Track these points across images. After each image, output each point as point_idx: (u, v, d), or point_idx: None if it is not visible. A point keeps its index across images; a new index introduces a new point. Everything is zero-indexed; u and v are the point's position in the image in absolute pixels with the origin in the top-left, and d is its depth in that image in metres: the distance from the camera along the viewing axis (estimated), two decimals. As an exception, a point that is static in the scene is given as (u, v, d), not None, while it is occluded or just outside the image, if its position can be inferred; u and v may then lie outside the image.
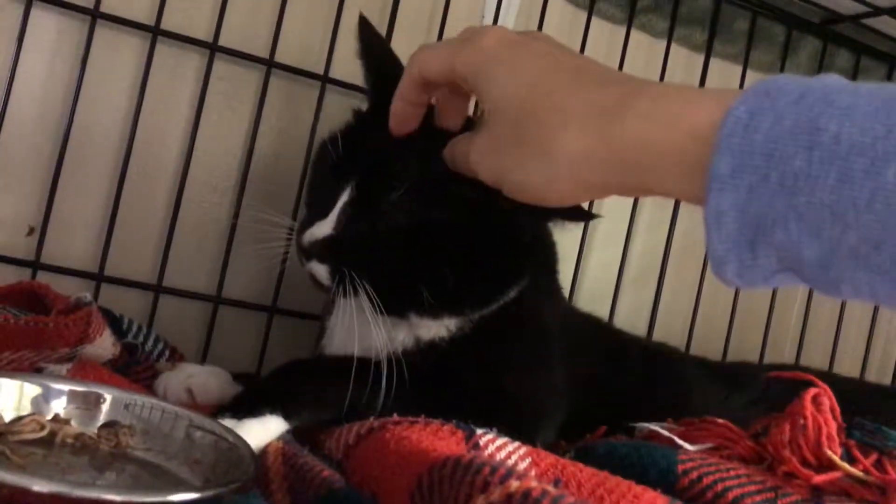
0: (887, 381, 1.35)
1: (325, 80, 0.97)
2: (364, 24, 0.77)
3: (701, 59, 1.16)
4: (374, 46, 0.78)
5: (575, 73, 0.55)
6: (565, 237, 1.10)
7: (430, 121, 0.70)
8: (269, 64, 0.95)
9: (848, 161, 0.40)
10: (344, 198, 0.69)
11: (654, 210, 1.18)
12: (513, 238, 0.71)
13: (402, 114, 0.68)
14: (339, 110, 0.95)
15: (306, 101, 0.97)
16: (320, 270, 0.70)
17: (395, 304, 0.69)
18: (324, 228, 0.69)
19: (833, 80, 0.44)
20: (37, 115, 0.89)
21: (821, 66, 1.25)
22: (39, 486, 0.38)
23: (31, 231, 0.89)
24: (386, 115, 0.68)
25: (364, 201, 0.69)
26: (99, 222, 0.91)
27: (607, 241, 1.16)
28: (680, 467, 0.61)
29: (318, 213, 0.70)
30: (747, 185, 0.43)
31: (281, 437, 0.61)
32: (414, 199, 0.67)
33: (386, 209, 0.68)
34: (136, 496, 0.42)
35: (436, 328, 0.72)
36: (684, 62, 1.19)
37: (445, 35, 1.01)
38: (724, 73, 1.21)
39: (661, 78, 1.13)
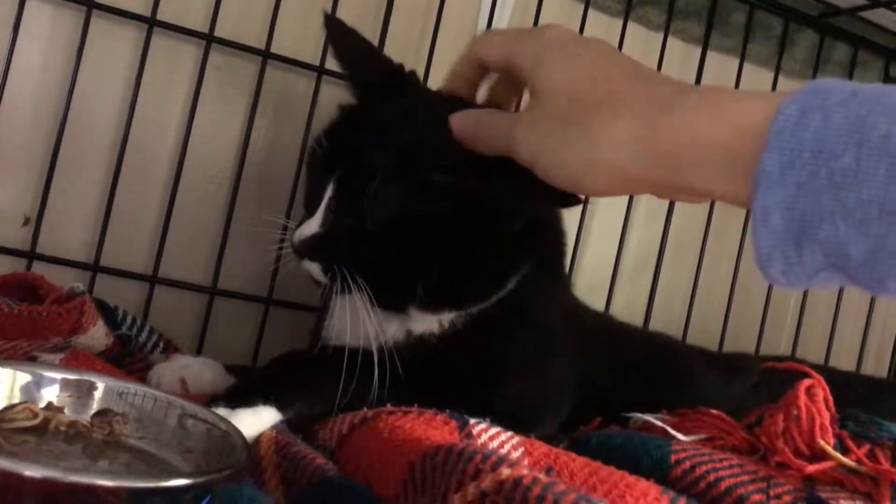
0: (883, 373, 1.36)
1: (320, 71, 0.97)
2: (331, 21, 0.77)
3: (698, 51, 1.16)
4: (346, 41, 0.78)
5: (633, 68, 0.57)
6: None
7: (410, 109, 0.71)
8: (265, 55, 0.95)
9: None
10: (328, 194, 0.69)
11: (651, 202, 1.17)
12: (502, 228, 0.70)
13: (456, 89, 0.70)
14: (335, 101, 0.95)
15: (302, 92, 0.97)
16: (313, 268, 0.70)
17: (390, 299, 0.69)
18: (311, 227, 0.69)
19: (884, 86, 0.45)
20: (32, 105, 0.89)
21: (818, 60, 1.25)
22: (32, 472, 0.38)
23: (26, 221, 0.89)
24: (370, 110, 0.68)
25: (346, 196, 0.69)
26: (94, 213, 0.91)
27: (604, 233, 1.16)
28: (673, 457, 0.61)
29: (309, 212, 0.70)
30: (795, 183, 0.44)
31: (274, 427, 0.62)
32: (394, 189, 0.67)
33: (367, 202, 0.67)
34: (128, 481, 0.42)
35: (428, 322, 0.72)
36: (681, 55, 1.19)
37: (441, 30, 1.01)
38: (721, 66, 1.21)
39: (658, 71, 1.13)
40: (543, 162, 0.58)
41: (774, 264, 0.46)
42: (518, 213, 0.69)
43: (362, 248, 0.68)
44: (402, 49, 1.01)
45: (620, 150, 0.53)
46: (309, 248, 0.69)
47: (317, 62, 0.97)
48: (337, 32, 0.78)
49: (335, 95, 0.96)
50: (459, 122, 0.65)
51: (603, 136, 0.53)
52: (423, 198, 0.67)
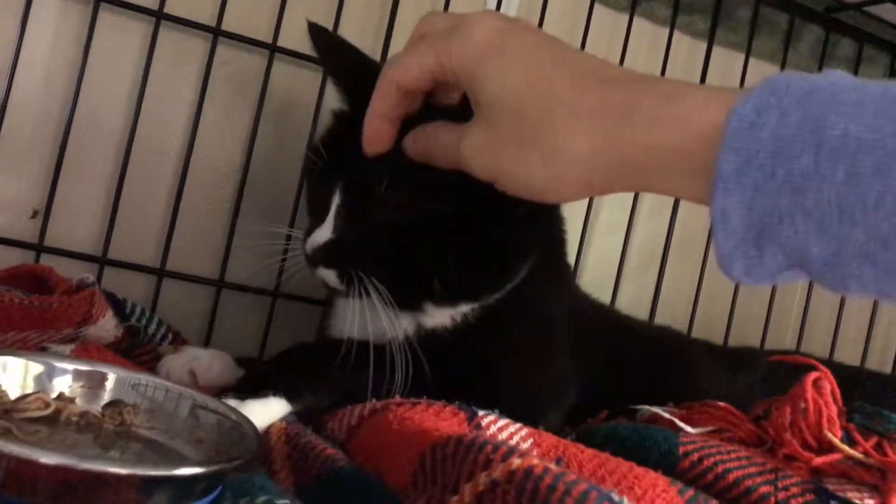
0: (888, 369, 1.36)
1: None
2: (314, 29, 0.76)
3: (704, 46, 1.16)
4: (332, 48, 0.77)
5: (575, 67, 0.55)
6: (567, 225, 1.11)
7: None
8: (272, 49, 0.95)
9: (856, 159, 0.40)
10: (336, 201, 0.69)
11: (656, 198, 1.18)
12: (511, 213, 0.70)
13: (378, 131, 0.65)
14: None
15: (309, 85, 0.97)
16: (329, 275, 0.70)
17: (407, 298, 0.69)
18: (323, 234, 0.69)
19: (840, 78, 0.45)
20: (40, 98, 0.89)
21: (823, 55, 1.25)
22: (46, 458, 0.39)
23: (34, 214, 0.89)
24: (363, 113, 0.68)
25: (354, 201, 0.69)
26: (102, 205, 0.91)
27: (609, 229, 1.16)
28: (681, 449, 0.62)
29: (317, 220, 0.71)
30: (753, 184, 0.44)
31: (284, 419, 0.62)
32: (399, 190, 0.67)
33: (375, 205, 0.68)
34: (141, 469, 0.42)
35: (441, 316, 0.72)
36: (687, 50, 1.19)
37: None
38: (726, 61, 1.21)
39: (664, 66, 1.13)
40: (504, 180, 0.57)
41: (736, 265, 0.46)
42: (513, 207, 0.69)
43: (376, 250, 0.69)
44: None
45: (582, 163, 0.52)
46: (323, 256, 0.69)
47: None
48: (321, 40, 0.77)
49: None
50: (409, 144, 0.65)
51: (563, 151, 0.53)
52: (431, 195, 0.67)
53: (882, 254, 0.41)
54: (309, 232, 0.71)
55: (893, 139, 0.40)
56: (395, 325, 0.69)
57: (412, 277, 0.69)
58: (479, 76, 0.57)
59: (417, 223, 0.68)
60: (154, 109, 0.92)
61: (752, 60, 1.20)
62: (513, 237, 0.71)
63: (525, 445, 0.57)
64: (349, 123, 0.73)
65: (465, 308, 0.72)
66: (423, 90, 0.63)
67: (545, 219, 0.77)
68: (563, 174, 0.54)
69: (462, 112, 0.60)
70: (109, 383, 0.58)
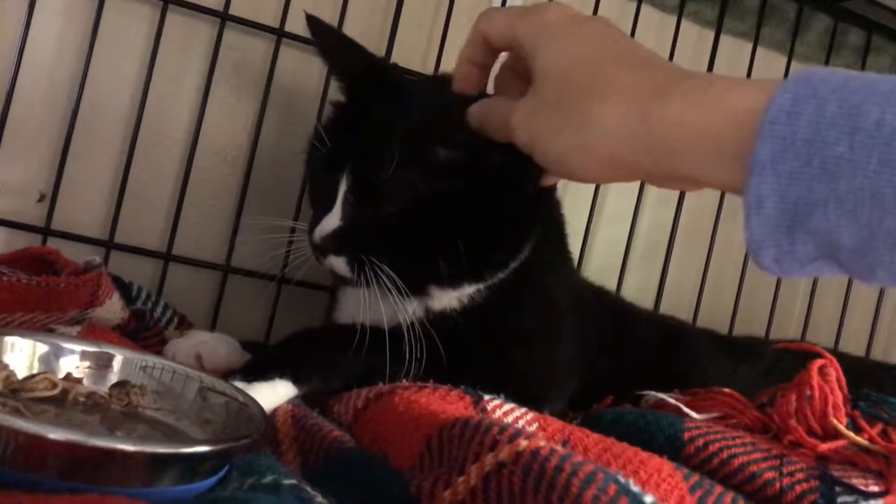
0: (893, 359, 1.35)
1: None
2: (313, 22, 0.77)
3: (711, 35, 1.16)
4: (330, 41, 0.79)
5: (626, 51, 0.56)
6: (573, 213, 1.11)
7: (404, 96, 0.72)
8: (279, 34, 0.95)
9: (890, 146, 0.41)
10: (343, 187, 0.69)
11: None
12: (515, 193, 0.71)
13: (466, 73, 0.68)
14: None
15: (316, 71, 0.97)
16: (339, 263, 0.70)
17: (415, 282, 0.69)
18: (332, 221, 0.70)
19: (875, 74, 0.45)
20: (47, 82, 0.89)
21: (832, 44, 1.24)
22: (55, 435, 0.39)
23: (41, 198, 0.89)
24: (363, 102, 0.69)
25: (361, 186, 0.69)
26: (109, 190, 0.91)
27: (615, 217, 1.16)
28: (686, 434, 0.62)
29: (324, 209, 0.71)
30: (788, 171, 0.44)
31: (290, 402, 0.62)
32: (408, 172, 0.67)
33: (383, 188, 0.68)
34: (149, 446, 0.42)
35: (447, 299, 0.72)
36: (694, 38, 1.18)
37: (453, 18, 1.01)
38: (734, 49, 1.20)
39: (672, 54, 1.13)
40: (539, 148, 0.58)
41: (767, 252, 0.46)
42: (529, 178, 0.70)
43: (385, 235, 0.69)
44: (414, 37, 1.02)
45: (612, 136, 0.53)
46: (333, 244, 0.70)
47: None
48: (320, 33, 0.78)
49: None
50: (470, 113, 0.66)
51: (594, 122, 0.53)
52: (437, 176, 0.68)
53: None
54: (315, 223, 0.71)
55: None
56: (403, 310, 0.69)
57: (421, 260, 0.69)
58: (538, 48, 0.59)
59: (425, 205, 0.68)
60: (161, 94, 0.92)
61: (759, 50, 1.19)
62: (516, 216, 0.72)
63: (531, 429, 0.57)
64: (349, 112, 0.74)
65: (470, 289, 0.72)
66: (500, 48, 0.66)
67: (546, 200, 0.78)
68: (591, 145, 0.54)
69: None
70: (116, 364, 0.58)
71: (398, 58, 0.97)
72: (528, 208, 0.73)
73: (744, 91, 0.47)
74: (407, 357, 0.67)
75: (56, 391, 0.53)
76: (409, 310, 0.71)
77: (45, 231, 0.88)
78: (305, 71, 0.98)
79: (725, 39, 1.17)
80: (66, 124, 0.88)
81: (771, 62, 1.23)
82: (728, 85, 0.49)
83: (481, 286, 0.72)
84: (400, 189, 0.68)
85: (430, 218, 0.69)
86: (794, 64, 1.22)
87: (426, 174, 0.67)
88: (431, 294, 0.71)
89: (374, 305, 0.71)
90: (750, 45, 1.19)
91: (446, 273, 0.69)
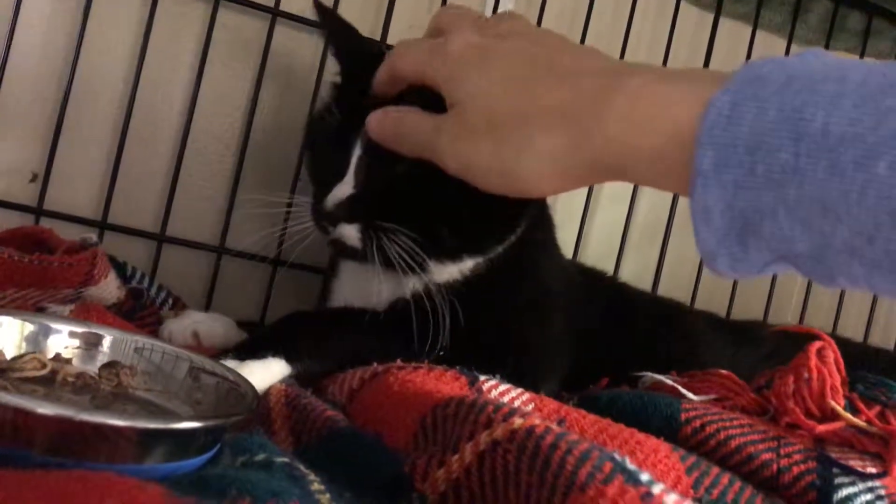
0: (890, 345, 1.35)
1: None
2: (320, 9, 0.79)
3: (711, 18, 1.15)
4: (337, 26, 0.79)
5: (549, 65, 0.55)
6: (570, 196, 1.10)
7: None
8: (274, 13, 0.94)
9: (837, 153, 0.39)
10: (356, 153, 0.69)
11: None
12: None
13: (382, 91, 0.68)
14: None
15: (310, 50, 0.96)
16: (350, 231, 0.69)
17: (422, 251, 0.69)
18: (345, 189, 0.69)
19: (820, 64, 0.43)
20: (40, 61, 0.88)
21: (832, 27, 1.23)
22: (44, 409, 0.38)
23: (34, 178, 0.88)
24: (366, 79, 0.69)
25: (376, 151, 0.68)
26: (102, 170, 0.90)
27: (613, 201, 1.15)
28: (683, 416, 0.61)
29: (333, 179, 0.70)
30: (733, 180, 0.43)
31: (283, 381, 0.62)
32: None
33: (397, 154, 0.67)
34: (139, 422, 0.41)
35: (447, 273, 0.72)
36: (694, 21, 1.18)
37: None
38: (733, 32, 1.19)
39: (670, 37, 1.12)
40: (478, 174, 0.58)
41: (720, 261, 0.46)
42: None
43: (396, 199, 0.69)
44: (407, 34, 1.00)
45: (556, 162, 0.52)
46: (346, 210, 0.69)
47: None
48: (328, 18, 0.80)
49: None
50: (376, 122, 0.66)
51: (533, 151, 0.53)
52: None
53: (868, 248, 0.40)
54: (322, 193, 0.70)
55: (874, 133, 0.39)
56: (402, 286, 0.69)
57: (428, 227, 0.69)
58: (457, 79, 0.59)
59: (433, 166, 0.68)
60: (155, 73, 0.91)
61: (759, 33, 1.18)
62: None
63: (527, 409, 0.57)
64: (354, 88, 0.73)
65: (470, 263, 0.72)
66: (413, 80, 0.65)
67: None
68: (539, 171, 0.54)
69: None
70: (106, 345, 0.57)
71: (393, 40, 0.97)
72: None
73: (682, 99, 0.46)
74: (401, 336, 0.67)
75: (45, 371, 0.53)
76: (410, 285, 0.71)
77: (38, 211, 0.87)
78: (300, 50, 0.97)
79: (725, 22, 1.16)
80: (58, 104, 0.87)
81: (771, 46, 1.22)
82: (664, 92, 0.47)
83: (480, 260, 0.72)
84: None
85: (438, 181, 0.67)
86: (793, 47, 1.21)
87: None
88: (431, 269, 0.70)
89: (369, 286, 0.70)
90: (750, 29, 1.18)
91: (450, 242, 0.69)
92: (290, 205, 0.76)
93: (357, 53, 0.77)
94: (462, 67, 0.59)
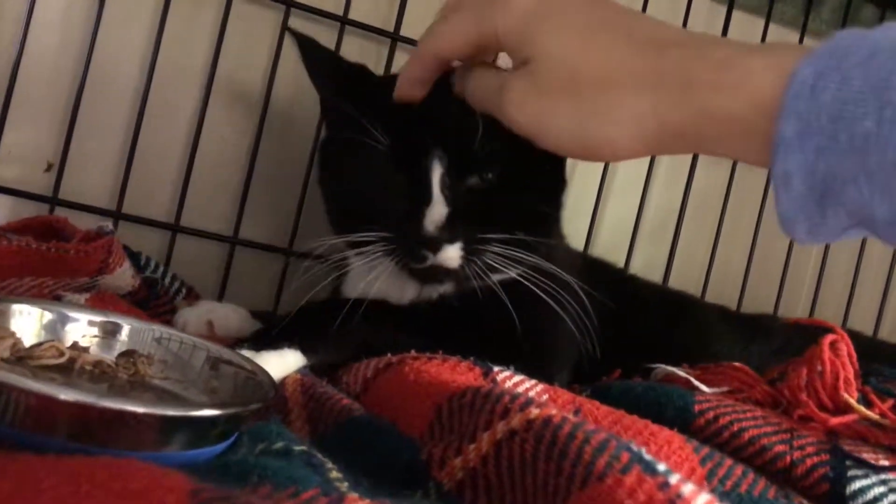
0: (901, 340, 1.35)
1: (343, 21, 0.96)
2: (303, 42, 0.77)
3: (723, 10, 1.15)
4: (318, 59, 0.78)
5: (628, 30, 0.55)
6: (582, 189, 1.10)
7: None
8: (288, 4, 0.94)
9: None
10: (437, 172, 0.67)
11: (672, 163, 1.17)
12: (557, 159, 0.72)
13: (410, 92, 0.66)
14: (358, 53, 0.95)
15: (325, 43, 0.96)
16: (452, 252, 0.67)
17: (515, 257, 0.68)
18: (439, 209, 0.67)
19: None
20: (55, 51, 0.88)
21: (845, 20, 1.23)
22: (65, 395, 0.39)
23: (49, 167, 0.89)
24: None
25: (458, 165, 0.67)
26: (117, 159, 0.91)
27: (624, 194, 1.15)
28: (696, 407, 0.61)
29: (411, 205, 0.67)
30: (815, 147, 0.43)
31: (299, 371, 0.62)
32: (493, 137, 0.66)
33: (476, 162, 0.67)
34: (159, 409, 0.42)
35: (506, 275, 0.70)
36: (706, 14, 1.17)
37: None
38: (746, 25, 1.19)
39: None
40: (549, 136, 0.57)
41: (799, 226, 0.46)
42: None
43: (487, 209, 0.68)
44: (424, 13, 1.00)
45: (640, 128, 0.52)
46: (448, 231, 0.66)
47: (340, 12, 0.96)
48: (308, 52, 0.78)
49: (358, 47, 0.96)
50: (457, 77, 0.65)
51: (616, 115, 0.53)
52: (516, 141, 0.64)
53: None
54: (405, 224, 0.67)
55: None
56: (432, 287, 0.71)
57: (517, 232, 0.68)
58: (530, 38, 0.56)
59: (513, 171, 0.68)
60: (169, 63, 0.91)
61: (772, 26, 1.18)
62: (560, 181, 0.74)
63: (542, 400, 0.57)
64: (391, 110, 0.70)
65: (532, 261, 0.70)
66: (461, 58, 0.63)
67: None
68: (618, 135, 0.54)
69: None
70: (123, 333, 0.58)
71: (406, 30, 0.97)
72: (563, 171, 0.75)
73: (765, 68, 0.46)
74: (414, 329, 0.67)
75: (63, 359, 0.53)
76: (442, 287, 0.72)
77: (53, 200, 0.87)
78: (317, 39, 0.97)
79: (737, 15, 1.16)
80: (73, 93, 0.87)
81: (783, 39, 1.21)
82: (749, 62, 0.48)
83: (535, 258, 0.70)
84: (493, 156, 0.67)
85: (520, 183, 0.68)
86: (806, 41, 1.20)
87: (506, 140, 0.63)
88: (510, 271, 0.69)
89: (395, 282, 0.71)
90: (762, 22, 1.18)
91: (528, 243, 0.68)
92: (360, 244, 0.70)
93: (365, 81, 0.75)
94: (531, 20, 0.56)
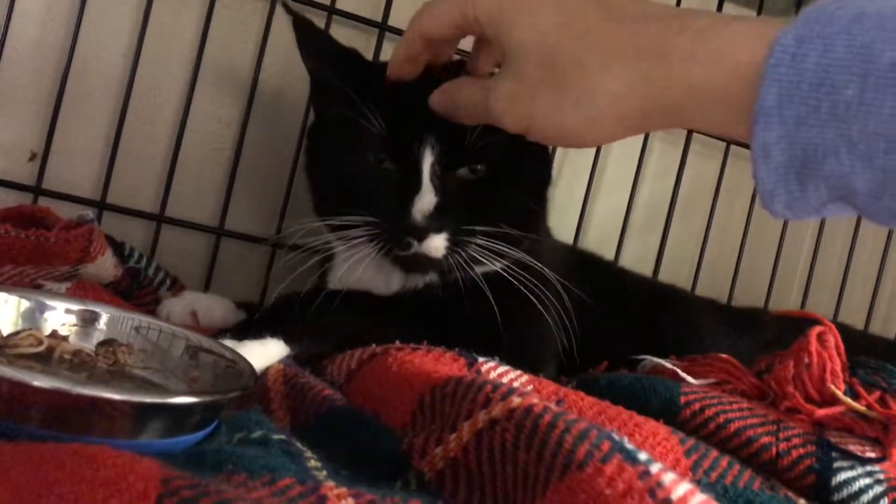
0: (890, 334, 1.35)
1: (331, 10, 0.95)
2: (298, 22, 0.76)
3: (715, 1, 1.14)
4: (313, 39, 0.77)
5: (605, 8, 0.54)
6: (572, 182, 1.10)
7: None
8: (275, -6, 0.93)
9: None
10: (428, 161, 0.67)
11: (663, 157, 1.16)
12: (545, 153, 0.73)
13: (401, 72, 0.67)
14: (345, 43, 0.94)
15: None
16: (437, 242, 0.67)
17: (498, 250, 0.68)
18: (428, 198, 0.66)
19: (887, 3, 0.43)
20: (39, 39, 0.87)
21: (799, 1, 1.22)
22: (40, 382, 0.38)
23: (33, 156, 0.88)
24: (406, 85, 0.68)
25: (450, 156, 0.67)
26: (101, 149, 0.90)
27: (614, 188, 1.14)
28: (682, 399, 0.61)
29: (401, 193, 0.67)
30: (795, 116, 0.42)
31: (282, 361, 0.61)
32: (487, 135, 0.66)
33: (469, 155, 0.68)
34: (135, 396, 0.41)
35: (491, 267, 0.70)
36: (699, 5, 1.17)
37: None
38: (701, 3, 1.18)
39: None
40: (537, 129, 0.57)
41: (777, 200, 0.45)
42: None
43: (474, 202, 0.68)
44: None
45: (619, 104, 0.51)
46: (435, 220, 0.66)
47: (327, 1, 0.95)
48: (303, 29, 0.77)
49: (346, 37, 0.95)
50: (436, 100, 0.65)
51: (596, 95, 0.52)
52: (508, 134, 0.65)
53: None
54: (392, 211, 0.67)
55: None
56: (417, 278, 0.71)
57: (503, 225, 0.68)
58: (505, 23, 0.56)
59: (503, 165, 0.68)
60: (155, 52, 0.90)
61: (727, 5, 1.16)
62: (548, 175, 0.75)
63: (525, 390, 0.57)
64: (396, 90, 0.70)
65: (516, 255, 0.70)
66: (448, 39, 0.64)
67: None
68: (598, 116, 0.53)
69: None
70: (102, 322, 0.57)
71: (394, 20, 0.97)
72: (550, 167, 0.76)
73: (746, 37, 0.45)
74: (401, 321, 0.67)
75: (41, 348, 0.53)
76: (427, 276, 0.72)
77: (37, 190, 0.86)
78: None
79: (728, 7, 1.16)
80: (57, 82, 0.86)
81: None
82: (729, 32, 0.47)
83: (518, 252, 0.70)
84: (486, 150, 0.67)
85: (509, 177, 0.68)
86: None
87: (499, 132, 0.63)
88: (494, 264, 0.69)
89: (380, 273, 0.71)
90: (754, 14, 1.17)
91: (513, 237, 0.68)
92: (345, 226, 0.70)
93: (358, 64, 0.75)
94: (511, 5, 0.56)
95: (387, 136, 0.68)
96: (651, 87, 0.50)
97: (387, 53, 0.94)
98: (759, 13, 1.17)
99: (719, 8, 1.14)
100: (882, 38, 0.40)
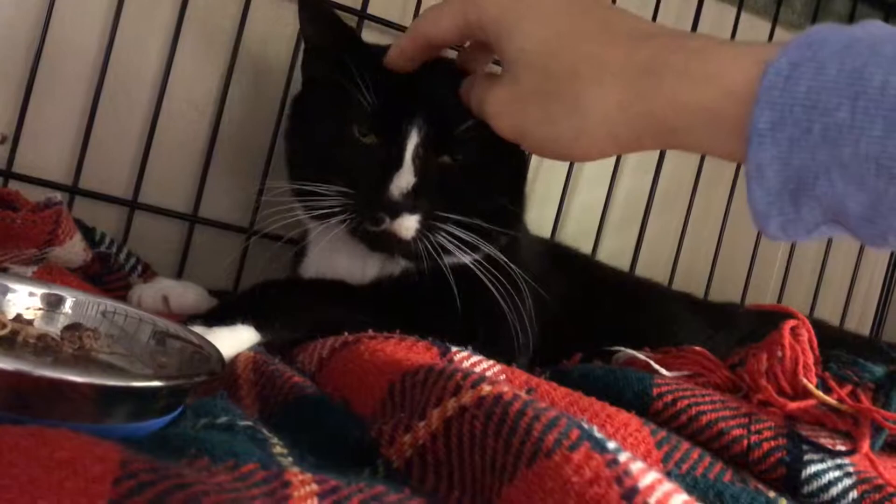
0: (865, 331, 1.36)
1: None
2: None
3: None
4: (317, 8, 0.76)
5: (605, 23, 0.54)
6: (551, 177, 1.09)
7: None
8: (253, -20, 0.92)
9: (895, 111, 0.39)
10: (412, 142, 0.67)
11: (641, 153, 1.16)
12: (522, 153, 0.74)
13: (399, 67, 0.68)
14: None
15: (290, 20, 0.95)
16: (409, 223, 0.67)
17: (468, 241, 0.68)
18: (406, 178, 0.66)
19: (879, 29, 0.43)
20: (10, 20, 0.86)
21: (817, 11, 1.23)
22: (1, 364, 0.37)
23: (3, 139, 0.86)
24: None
25: (434, 140, 0.68)
26: (74, 133, 0.88)
27: (592, 183, 1.14)
28: (655, 391, 0.61)
29: (381, 168, 0.67)
30: (788, 138, 0.43)
31: (252, 349, 0.61)
32: (474, 129, 0.66)
33: (460, 141, 0.68)
34: (99, 379, 0.40)
35: (466, 258, 0.70)
36: (677, 3, 1.16)
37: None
38: (717, 15, 1.19)
39: (654, 19, 1.11)
40: (530, 138, 0.57)
41: (773, 221, 0.46)
42: None
43: (453, 188, 0.68)
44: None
45: (610, 119, 0.51)
46: (410, 199, 0.66)
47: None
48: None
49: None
50: (463, 93, 0.66)
51: (587, 108, 0.52)
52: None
53: None
54: (370, 185, 0.67)
55: None
56: (396, 262, 0.71)
57: (478, 216, 0.69)
58: (505, 31, 0.57)
59: (486, 157, 0.69)
60: (130, 36, 0.89)
61: (744, 15, 1.18)
62: (525, 172, 0.77)
63: (497, 379, 0.56)
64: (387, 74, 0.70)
65: (489, 249, 0.70)
66: (449, 43, 0.65)
67: None
68: (589, 131, 0.53)
69: None
70: (67, 306, 0.56)
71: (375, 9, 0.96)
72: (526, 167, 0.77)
73: (740, 58, 0.46)
74: (375, 311, 0.66)
75: (5, 332, 0.51)
76: (402, 264, 0.72)
77: (6, 174, 0.85)
78: (279, 18, 0.95)
79: (709, 5, 1.16)
80: (29, 64, 0.85)
81: (755, 28, 1.21)
82: (723, 53, 0.47)
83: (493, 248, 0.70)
84: (471, 142, 0.68)
85: (491, 168, 0.69)
86: (778, 31, 1.20)
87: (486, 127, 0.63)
88: (462, 255, 0.69)
89: (355, 261, 0.71)
90: (734, 11, 1.18)
91: (488, 230, 0.69)
92: (311, 193, 0.69)
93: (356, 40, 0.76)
94: (513, 13, 0.57)
95: (376, 111, 0.68)
96: (643, 103, 0.50)
97: (365, 40, 0.93)
98: (738, 11, 1.17)
99: (700, 4, 1.14)
100: (874, 61, 0.41)
